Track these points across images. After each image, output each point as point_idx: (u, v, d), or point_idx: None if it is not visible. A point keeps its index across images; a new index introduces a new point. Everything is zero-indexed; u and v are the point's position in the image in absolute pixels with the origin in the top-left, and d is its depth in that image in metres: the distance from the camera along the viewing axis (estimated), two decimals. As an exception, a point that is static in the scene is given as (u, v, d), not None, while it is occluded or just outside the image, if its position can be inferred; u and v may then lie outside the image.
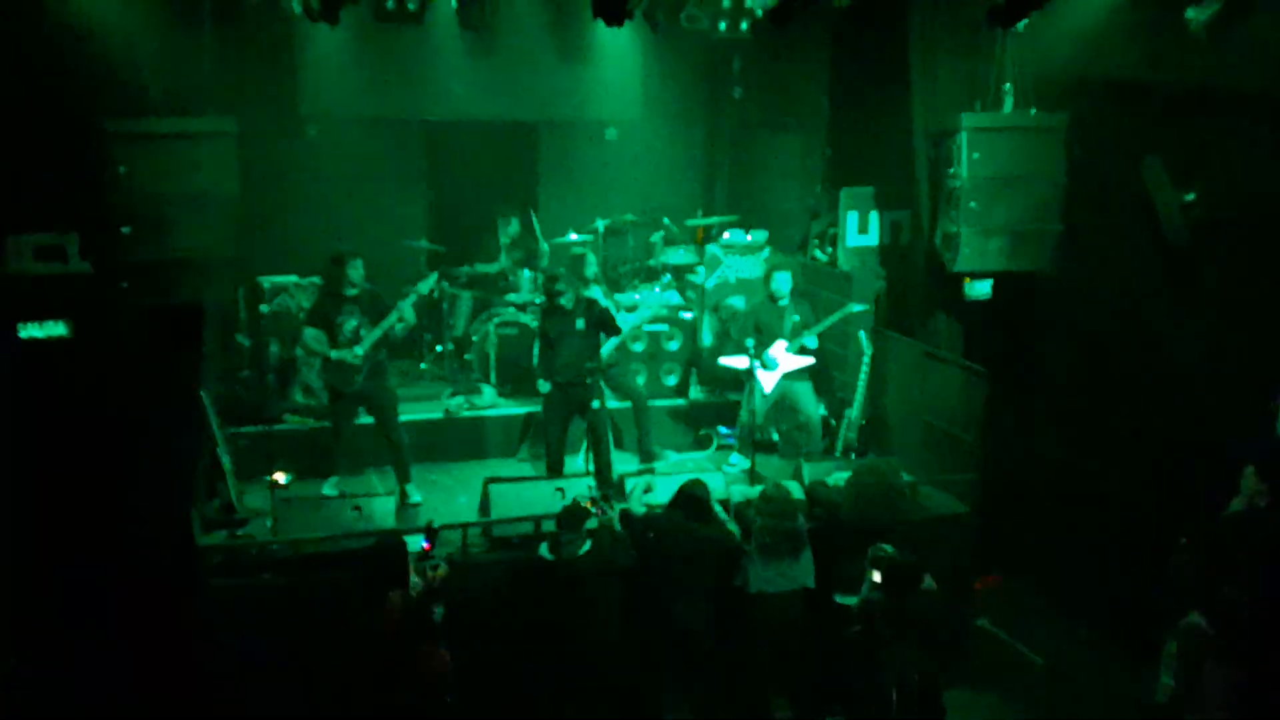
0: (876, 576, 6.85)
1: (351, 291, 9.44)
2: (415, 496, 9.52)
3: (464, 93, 12.41)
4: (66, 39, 7.55)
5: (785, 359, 9.97)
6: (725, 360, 10.77)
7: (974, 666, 8.91)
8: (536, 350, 9.95)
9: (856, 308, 10.10)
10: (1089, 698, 8.66)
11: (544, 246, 11.91)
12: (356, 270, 9.44)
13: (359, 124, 12.21)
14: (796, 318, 10.02)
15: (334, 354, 9.39)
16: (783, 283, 10.04)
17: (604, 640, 7.36)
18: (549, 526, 7.99)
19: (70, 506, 8.05)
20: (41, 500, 7.99)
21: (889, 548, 7.01)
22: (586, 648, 7.32)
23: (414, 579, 7.11)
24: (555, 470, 9.56)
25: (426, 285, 10.04)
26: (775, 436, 10.67)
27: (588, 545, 7.25)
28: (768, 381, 9.94)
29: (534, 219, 12.05)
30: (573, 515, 7.36)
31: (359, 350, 9.37)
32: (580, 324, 9.49)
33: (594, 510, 7.55)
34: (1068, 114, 9.17)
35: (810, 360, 10.04)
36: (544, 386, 9.62)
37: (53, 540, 7.95)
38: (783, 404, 10.20)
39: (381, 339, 9.46)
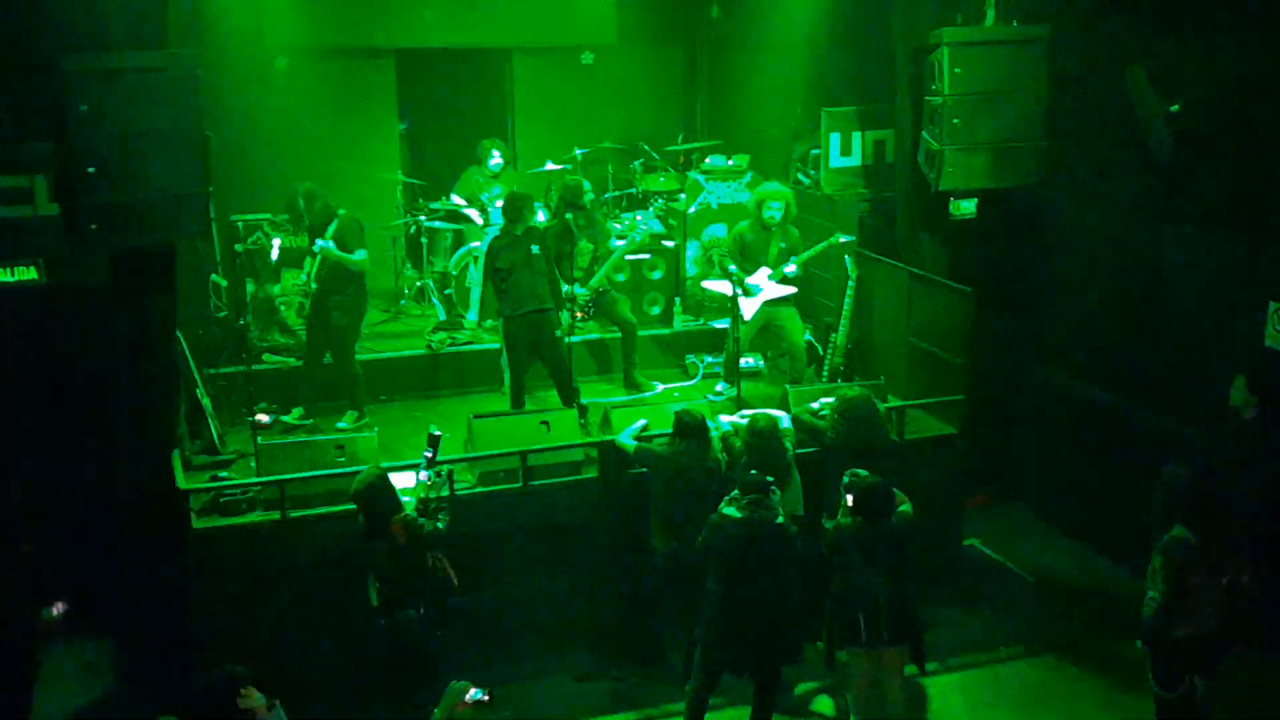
0: (850, 501, 6.79)
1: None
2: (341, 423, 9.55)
3: (435, 19, 12.16)
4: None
5: (768, 286, 9.85)
6: (708, 284, 10.67)
7: (966, 585, 8.97)
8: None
9: (843, 238, 9.97)
10: (1081, 613, 8.71)
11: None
12: None
13: (329, 54, 11.92)
14: (783, 244, 9.87)
15: None
16: (775, 208, 9.83)
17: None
18: (535, 461, 7.95)
19: (48, 452, 7.99)
20: (20, 447, 7.93)
21: (863, 472, 6.95)
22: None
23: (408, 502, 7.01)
24: (517, 402, 9.48)
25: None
26: (761, 363, 10.60)
27: (781, 517, 6.79)
28: (749, 308, 9.80)
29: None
30: (755, 482, 6.85)
31: None
32: (535, 249, 9.36)
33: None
34: (1050, 26, 9.00)
35: (793, 290, 9.92)
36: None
37: (33, 487, 7.88)
38: (768, 330, 10.10)
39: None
